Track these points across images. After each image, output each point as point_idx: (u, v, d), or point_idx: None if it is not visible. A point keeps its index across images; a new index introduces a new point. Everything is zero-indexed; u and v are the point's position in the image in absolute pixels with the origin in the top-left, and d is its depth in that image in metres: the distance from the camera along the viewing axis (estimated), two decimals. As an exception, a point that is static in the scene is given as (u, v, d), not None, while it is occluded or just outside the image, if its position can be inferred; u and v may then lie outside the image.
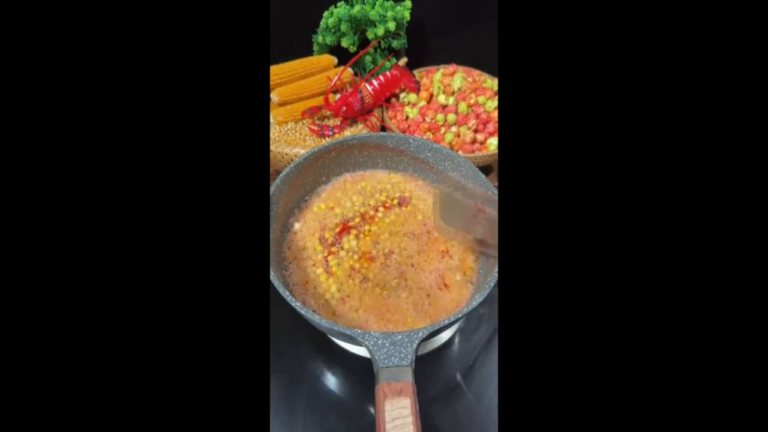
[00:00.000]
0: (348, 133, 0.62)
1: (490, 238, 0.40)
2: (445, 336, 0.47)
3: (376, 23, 0.66)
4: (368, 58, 0.71)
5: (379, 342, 0.33)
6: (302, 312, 0.36)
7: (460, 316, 0.36)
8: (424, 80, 0.66)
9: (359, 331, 0.34)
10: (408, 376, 0.32)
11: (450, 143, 0.60)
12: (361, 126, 0.63)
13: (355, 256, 0.45)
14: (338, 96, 0.62)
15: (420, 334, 0.34)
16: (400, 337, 0.33)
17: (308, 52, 0.72)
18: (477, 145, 0.60)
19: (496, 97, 0.62)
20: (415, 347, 0.33)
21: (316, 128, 0.61)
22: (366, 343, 0.33)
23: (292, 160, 0.58)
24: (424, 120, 0.62)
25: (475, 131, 0.60)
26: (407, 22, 0.69)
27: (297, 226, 0.48)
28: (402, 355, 0.33)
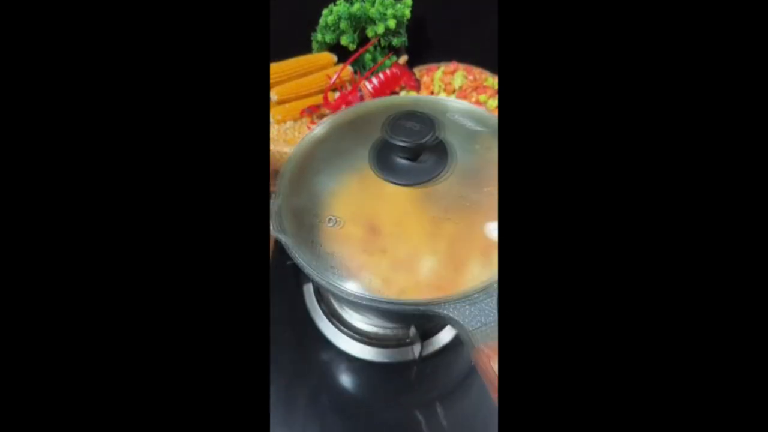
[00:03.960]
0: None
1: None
2: (446, 337, 0.47)
3: (376, 21, 0.66)
4: (368, 56, 0.71)
5: (459, 308, 0.33)
6: (360, 295, 0.33)
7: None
8: (425, 78, 0.66)
9: (433, 300, 0.33)
10: (496, 333, 0.31)
11: (450, 142, 0.59)
12: (361, 124, 0.63)
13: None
14: (337, 94, 0.62)
15: (494, 287, 0.33)
16: (476, 295, 0.33)
17: (307, 50, 0.72)
18: (478, 144, 0.60)
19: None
20: (495, 302, 0.33)
21: (315, 127, 0.61)
22: (446, 312, 0.32)
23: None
24: (424, 118, 0.62)
25: (476, 130, 0.60)
26: (407, 19, 0.68)
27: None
28: (487, 312, 0.32)
